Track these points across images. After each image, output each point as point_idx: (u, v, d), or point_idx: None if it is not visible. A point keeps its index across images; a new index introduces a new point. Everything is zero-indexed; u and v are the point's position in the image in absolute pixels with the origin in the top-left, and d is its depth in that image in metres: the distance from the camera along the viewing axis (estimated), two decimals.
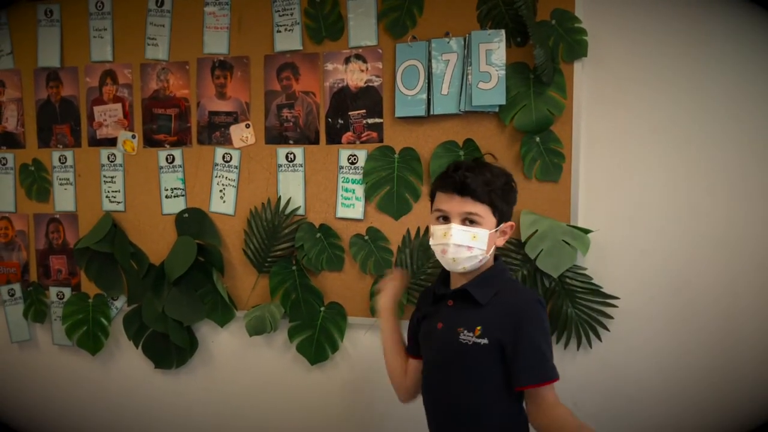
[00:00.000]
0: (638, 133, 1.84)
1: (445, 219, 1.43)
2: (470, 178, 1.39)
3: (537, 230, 1.88)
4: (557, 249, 1.85)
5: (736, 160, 1.78)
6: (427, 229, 2.03)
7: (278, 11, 2.12)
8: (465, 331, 1.40)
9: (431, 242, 1.48)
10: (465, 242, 1.39)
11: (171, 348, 2.31)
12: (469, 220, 1.40)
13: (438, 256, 1.46)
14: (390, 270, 1.80)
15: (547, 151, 1.89)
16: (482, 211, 1.40)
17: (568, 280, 1.88)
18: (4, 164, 2.47)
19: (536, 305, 1.40)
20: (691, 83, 1.81)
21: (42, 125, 2.41)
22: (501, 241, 1.47)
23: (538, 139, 1.89)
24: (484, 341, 1.37)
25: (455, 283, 1.49)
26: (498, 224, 1.43)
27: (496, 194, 1.41)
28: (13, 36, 2.42)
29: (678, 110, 1.82)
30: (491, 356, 1.38)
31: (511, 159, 1.94)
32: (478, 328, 1.39)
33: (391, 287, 1.70)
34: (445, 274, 1.54)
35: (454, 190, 1.41)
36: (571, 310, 1.88)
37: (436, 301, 1.53)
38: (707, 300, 1.82)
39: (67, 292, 2.44)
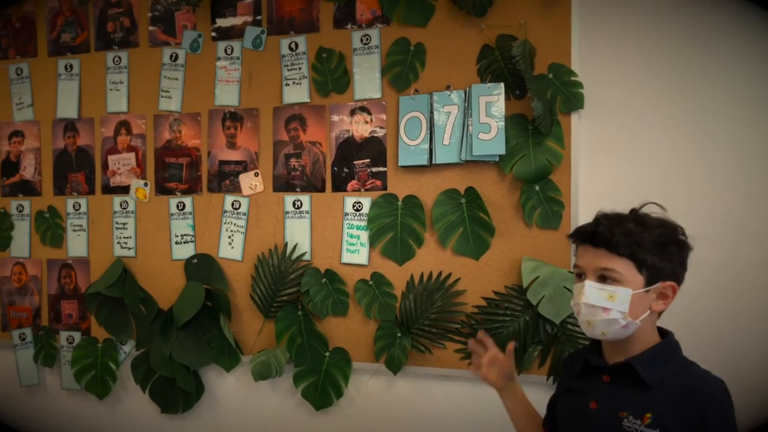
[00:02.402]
0: (636, 182, 1.90)
1: (581, 276, 1.24)
2: (605, 226, 1.19)
3: (538, 277, 1.91)
4: (558, 295, 1.88)
5: (737, 202, 1.83)
6: (430, 276, 2.07)
7: (287, 66, 2.21)
8: (631, 418, 1.15)
9: (572, 303, 1.28)
10: (599, 302, 1.17)
11: (178, 392, 2.33)
12: (605, 277, 1.18)
13: (577, 318, 1.26)
14: (481, 332, 1.58)
15: (546, 199, 1.95)
16: (621, 266, 1.16)
17: (569, 326, 1.90)
18: (20, 211, 2.55)
19: (724, 397, 1.14)
20: (687, 132, 1.87)
21: (58, 173, 2.50)
22: (660, 305, 1.19)
23: (537, 187, 1.95)
24: None
25: (611, 356, 1.25)
26: (649, 284, 1.17)
27: (643, 247, 1.15)
28: (34, 88, 2.53)
29: (675, 159, 1.87)
30: None
31: (511, 207, 1.99)
32: (648, 415, 1.13)
33: (491, 359, 1.51)
34: (597, 342, 1.31)
35: (587, 241, 1.22)
36: (567, 355, 1.89)
37: (586, 373, 1.29)
38: (711, 346, 1.82)
39: (77, 336, 2.48)
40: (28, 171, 2.54)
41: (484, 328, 1.98)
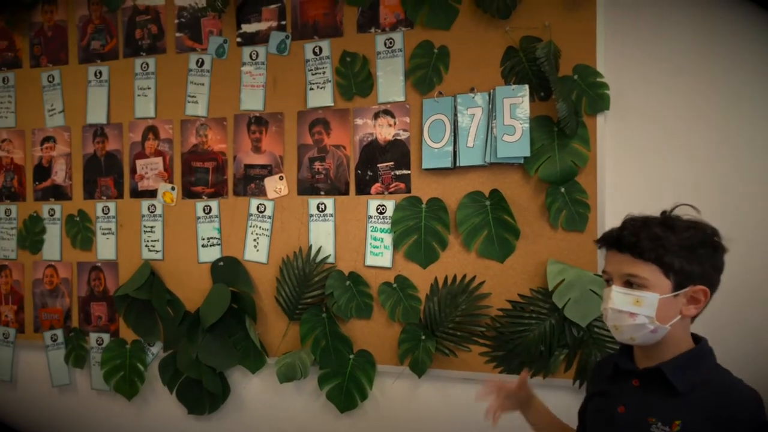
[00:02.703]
0: (662, 183, 1.88)
1: (609, 281, 1.22)
2: (629, 231, 1.17)
3: (564, 279, 1.90)
4: (585, 298, 1.87)
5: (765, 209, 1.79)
6: (454, 278, 2.07)
7: (311, 70, 2.23)
8: (659, 424, 1.13)
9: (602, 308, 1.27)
10: (626, 308, 1.16)
11: (204, 394, 2.36)
12: (631, 282, 1.17)
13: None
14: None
15: (572, 201, 1.93)
16: (646, 271, 1.15)
17: (596, 330, 1.88)
18: (52, 215, 2.60)
19: (757, 408, 1.11)
20: (714, 131, 1.84)
21: (88, 178, 2.55)
22: (691, 310, 1.16)
23: (563, 189, 1.93)
24: None
25: (642, 360, 1.24)
26: (677, 288, 1.15)
27: (670, 251, 1.13)
28: (65, 95, 2.59)
29: (703, 159, 1.85)
30: None
31: (536, 209, 1.98)
32: (677, 422, 1.11)
33: (505, 396, 1.49)
34: (628, 346, 1.28)
35: (613, 247, 1.21)
36: (598, 359, 1.88)
37: (616, 377, 1.28)
38: (746, 353, 1.78)
39: (106, 338, 2.53)
40: (59, 176, 2.60)
41: (509, 331, 1.99)
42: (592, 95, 1.91)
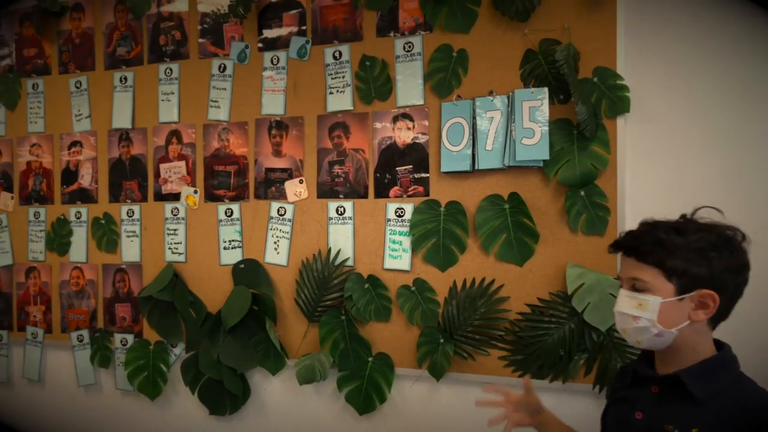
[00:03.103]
0: (684, 187, 1.85)
1: (621, 285, 1.24)
2: (633, 235, 1.20)
3: (584, 283, 1.88)
4: (605, 302, 1.85)
5: None
6: (473, 282, 2.06)
7: (331, 74, 2.25)
8: (676, 431, 1.12)
9: None
10: (629, 311, 1.18)
11: (225, 395, 2.38)
12: (634, 286, 1.18)
13: None
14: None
15: (592, 204, 1.91)
16: (648, 275, 1.15)
17: (616, 334, 1.86)
18: (78, 218, 2.66)
19: None
20: (737, 133, 1.82)
21: (113, 181, 2.60)
22: (700, 315, 1.13)
23: (582, 192, 1.92)
24: None
25: (661, 366, 1.23)
26: (682, 292, 1.13)
27: (673, 254, 1.13)
28: (92, 100, 2.64)
29: (725, 162, 1.82)
30: None
31: (556, 212, 1.97)
32: (694, 430, 1.10)
33: (514, 406, 1.49)
34: (648, 352, 1.28)
35: (620, 250, 1.23)
36: (620, 364, 1.86)
37: (635, 383, 1.27)
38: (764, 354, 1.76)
39: (130, 338, 2.57)
40: (85, 179, 2.65)
41: (528, 335, 1.98)
42: (612, 98, 1.89)
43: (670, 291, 1.14)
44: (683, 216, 1.22)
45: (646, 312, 1.15)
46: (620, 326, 1.22)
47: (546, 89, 1.94)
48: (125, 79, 2.58)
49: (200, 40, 2.46)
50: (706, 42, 1.84)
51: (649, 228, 1.19)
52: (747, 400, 1.09)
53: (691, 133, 1.85)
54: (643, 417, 1.19)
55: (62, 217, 2.68)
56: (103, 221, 2.62)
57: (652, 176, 1.89)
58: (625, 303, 1.19)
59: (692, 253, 1.12)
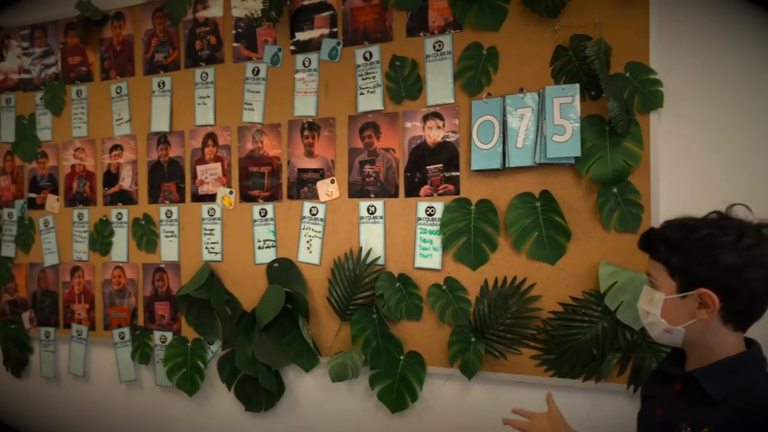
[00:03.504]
0: (719, 182, 1.81)
1: None
2: (650, 232, 1.21)
3: (616, 282, 1.86)
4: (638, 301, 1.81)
5: None
6: (504, 280, 2.05)
7: (361, 75, 2.27)
8: (689, 429, 1.10)
9: None
10: (643, 305, 1.21)
11: (260, 391, 2.43)
12: (650, 282, 1.20)
13: None
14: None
15: (625, 201, 1.89)
16: (656, 271, 1.17)
17: None
18: (119, 219, 2.75)
19: None
20: None
21: (152, 183, 2.68)
22: (702, 315, 1.11)
23: (615, 189, 1.89)
24: None
25: (690, 365, 1.20)
26: (683, 290, 1.13)
27: (677, 251, 1.13)
28: (132, 105, 2.73)
29: (761, 157, 1.77)
30: None
31: (588, 210, 1.95)
32: (706, 429, 1.07)
33: (539, 419, 1.46)
34: (678, 351, 1.26)
35: (639, 246, 1.25)
36: (655, 364, 1.82)
37: (663, 381, 1.26)
38: None
39: (169, 336, 2.64)
40: (126, 181, 2.74)
41: (561, 334, 1.96)
42: (645, 93, 1.86)
43: (673, 288, 1.15)
44: (715, 212, 1.18)
45: (653, 307, 1.18)
46: (641, 320, 1.26)
47: (577, 85, 1.92)
48: (163, 83, 2.65)
49: (234, 45, 2.52)
50: (741, 35, 1.79)
51: (664, 225, 1.19)
52: (761, 399, 1.06)
53: (726, 127, 1.81)
54: (661, 414, 1.19)
55: (104, 218, 2.78)
56: (142, 222, 2.70)
57: (687, 172, 1.85)
58: (642, 298, 1.23)
59: (697, 252, 1.10)
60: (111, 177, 2.77)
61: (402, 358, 2.19)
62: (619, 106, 1.81)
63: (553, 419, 1.43)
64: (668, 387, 1.22)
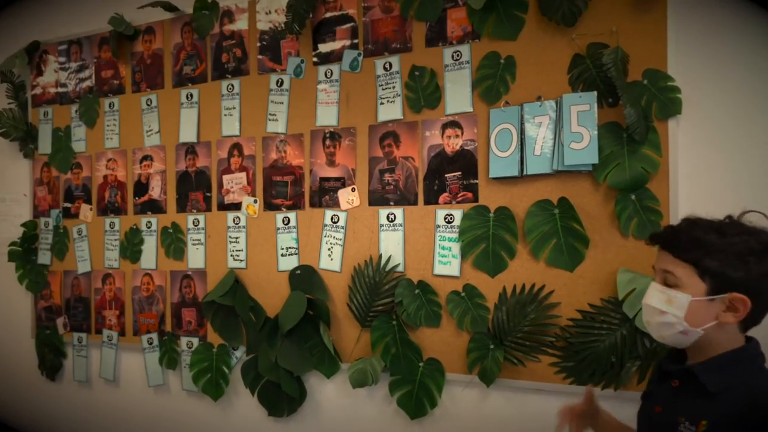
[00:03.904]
0: (738, 189, 1.79)
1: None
2: (674, 229, 1.19)
3: (635, 289, 1.85)
4: None
5: None
6: (523, 288, 2.06)
7: (381, 85, 2.31)
8: (686, 423, 1.12)
9: None
10: (657, 304, 1.18)
11: (283, 396, 2.47)
12: (666, 280, 1.18)
13: None
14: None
15: (643, 208, 1.88)
16: (681, 271, 1.15)
17: None
18: (149, 227, 2.83)
19: None
20: None
21: (180, 193, 2.76)
22: (729, 318, 1.12)
23: (633, 196, 1.89)
24: None
25: (690, 362, 1.23)
26: (713, 292, 1.12)
27: (710, 254, 1.11)
28: (161, 117, 2.82)
29: None
30: None
31: (606, 217, 1.94)
32: (703, 422, 1.09)
33: (578, 415, 1.48)
34: (678, 349, 1.27)
35: (658, 242, 1.22)
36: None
37: (660, 378, 1.28)
38: None
39: (195, 341, 2.70)
40: (155, 191, 2.82)
41: (579, 342, 1.95)
42: (663, 99, 1.86)
43: (702, 290, 1.13)
44: (728, 217, 1.19)
45: (673, 308, 1.15)
46: (645, 318, 1.23)
47: (594, 93, 1.92)
48: (191, 95, 2.74)
49: (259, 57, 2.58)
50: (759, 42, 1.78)
51: (690, 224, 1.18)
52: (759, 394, 1.08)
53: (745, 134, 1.79)
54: (661, 411, 1.20)
55: (134, 227, 2.86)
56: (171, 230, 2.77)
57: (706, 179, 1.84)
58: (655, 296, 1.19)
59: (731, 256, 1.10)
60: (141, 187, 2.86)
61: (421, 364, 2.20)
62: (636, 113, 1.81)
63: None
64: (666, 384, 1.23)
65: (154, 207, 2.83)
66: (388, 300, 2.25)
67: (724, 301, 1.11)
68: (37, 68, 3.19)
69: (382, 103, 2.32)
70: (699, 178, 1.84)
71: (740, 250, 1.10)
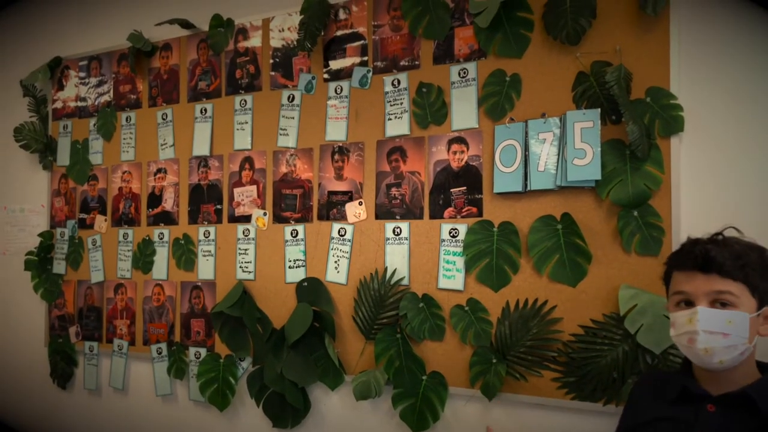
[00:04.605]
0: (740, 206, 1.80)
1: (688, 303, 1.20)
2: (714, 251, 1.16)
3: (637, 305, 1.85)
4: (659, 324, 1.81)
5: None
6: (526, 302, 2.07)
7: (389, 101, 2.36)
8: None
9: (672, 333, 1.22)
10: (718, 328, 1.13)
11: (287, 408, 2.48)
12: (720, 302, 1.15)
13: (683, 348, 1.21)
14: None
15: (646, 225, 1.89)
16: (736, 289, 1.14)
17: (671, 357, 1.81)
18: (161, 239, 2.89)
19: None
20: None
21: (192, 205, 2.81)
22: (766, 330, 1.16)
23: (636, 213, 1.90)
24: None
25: (707, 383, 1.20)
26: (759, 307, 1.14)
27: (753, 270, 1.14)
28: (176, 130, 2.89)
29: None
30: None
31: (609, 233, 1.96)
32: None
33: None
34: (687, 367, 1.27)
35: (696, 267, 1.18)
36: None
37: (681, 401, 1.23)
38: None
39: (203, 352, 2.74)
40: (168, 203, 2.89)
41: (581, 357, 1.95)
42: (666, 117, 1.88)
43: (753, 306, 1.15)
44: (718, 234, 1.24)
45: (735, 328, 1.13)
46: (703, 345, 1.15)
47: (598, 110, 1.95)
48: (205, 110, 2.80)
49: (272, 73, 2.65)
50: (761, 60, 1.80)
51: (723, 243, 1.19)
52: None
53: (747, 151, 1.81)
54: None
55: (147, 238, 2.92)
56: (182, 242, 2.83)
57: (708, 196, 1.85)
58: (711, 320, 1.14)
59: (762, 269, 1.16)
60: (155, 199, 2.92)
61: (424, 378, 2.21)
62: (639, 130, 1.84)
63: None
64: (698, 408, 1.18)
65: (167, 219, 2.88)
66: (392, 313, 2.27)
67: (764, 315, 1.16)
68: (59, 83, 3.29)
69: (390, 119, 2.36)
70: (701, 195, 1.86)
71: (761, 261, 1.16)
